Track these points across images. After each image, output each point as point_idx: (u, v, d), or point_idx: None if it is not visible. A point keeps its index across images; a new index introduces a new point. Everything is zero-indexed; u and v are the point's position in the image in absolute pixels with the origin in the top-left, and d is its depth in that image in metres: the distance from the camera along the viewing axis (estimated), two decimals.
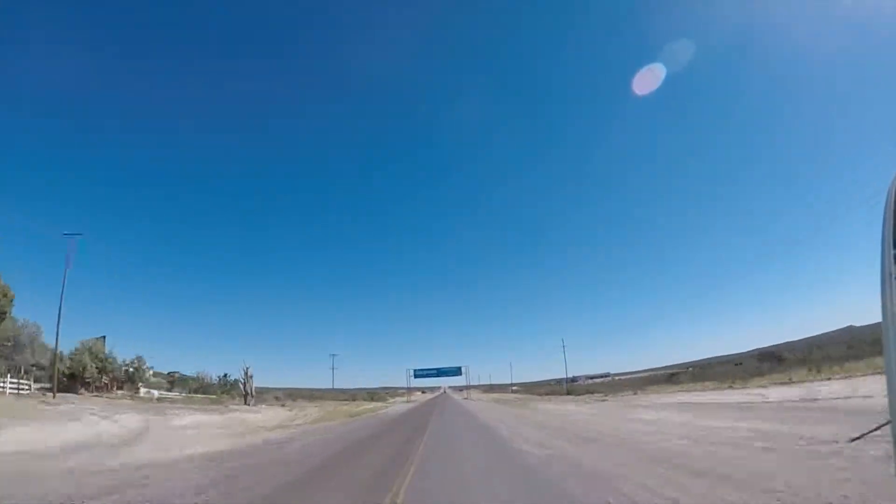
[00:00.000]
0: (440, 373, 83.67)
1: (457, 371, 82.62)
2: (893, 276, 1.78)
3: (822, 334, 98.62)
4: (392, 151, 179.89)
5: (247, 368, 41.15)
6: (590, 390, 66.31)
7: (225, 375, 59.60)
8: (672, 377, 60.14)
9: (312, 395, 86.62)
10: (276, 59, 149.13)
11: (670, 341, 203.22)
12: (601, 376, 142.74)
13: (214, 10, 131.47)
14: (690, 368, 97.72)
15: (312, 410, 39.66)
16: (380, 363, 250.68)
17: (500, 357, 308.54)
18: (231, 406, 34.73)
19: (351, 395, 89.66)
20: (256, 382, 44.57)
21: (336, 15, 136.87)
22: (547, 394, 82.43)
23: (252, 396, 40.07)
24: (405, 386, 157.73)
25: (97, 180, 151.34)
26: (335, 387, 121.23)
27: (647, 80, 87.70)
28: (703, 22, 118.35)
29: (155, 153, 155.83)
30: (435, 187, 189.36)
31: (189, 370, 62.96)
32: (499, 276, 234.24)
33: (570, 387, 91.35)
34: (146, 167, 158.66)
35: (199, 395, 44.62)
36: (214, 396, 45.71)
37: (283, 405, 43.14)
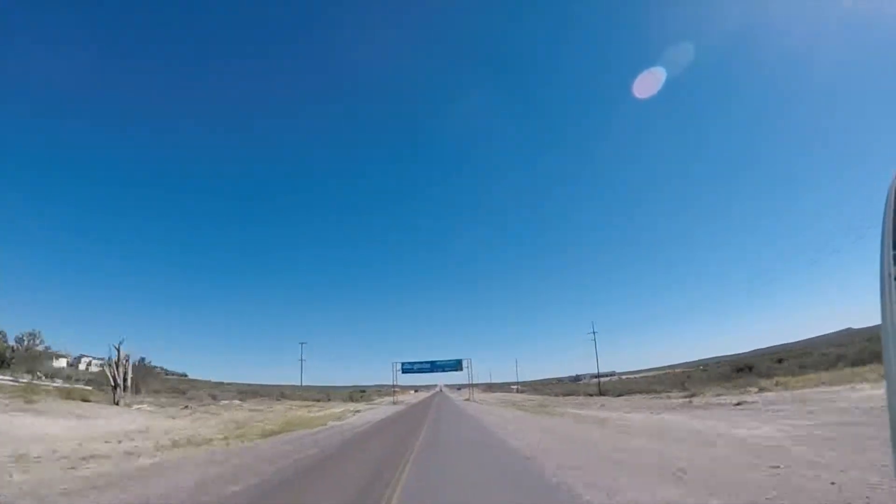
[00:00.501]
0: (434, 367, 67.12)
1: (455, 365, 66.32)
2: (893, 276, 1.64)
3: (821, 336, 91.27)
4: (390, 147, 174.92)
5: (118, 346, 25.43)
6: (625, 390, 51.10)
7: (142, 360, 44.07)
8: (742, 371, 44.88)
9: (282, 394, 71.29)
10: (274, 59, 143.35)
11: (670, 341, 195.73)
12: (607, 375, 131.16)
13: (214, 9, 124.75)
14: (703, 367, 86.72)
15: (222, 419, 24.28)
16: (373, 360, 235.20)
17: (499, 354, 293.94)
18: (64, 404, 19.36)
19: (326, 393, 74.04)
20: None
21: (336, 14, 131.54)
22: (565, 394, 67.22)
23: (125, 390, 24.50)
24: (399, 384, 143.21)
25: (96, 180, 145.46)
26: (316, 384, 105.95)
27: (648, 82, 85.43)
28: (703, 25, 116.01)
29: (151, 153, 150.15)
30: (430, 176, 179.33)
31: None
32: (499, 270, 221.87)
33: (585, 386, 76.45)
34: (139, 166, 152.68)
35: (47, 384, 28.90)
36: (91, 389, 30.18)
37: (186, 407, 27.64)
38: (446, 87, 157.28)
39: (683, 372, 72.53)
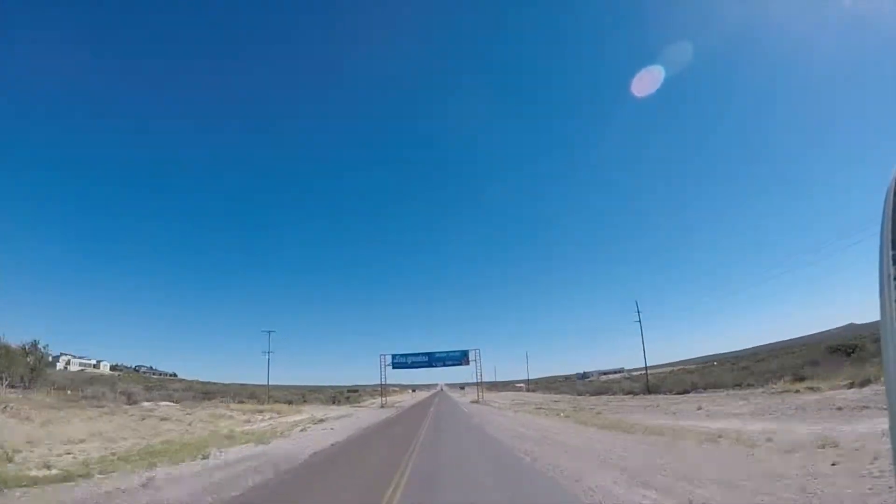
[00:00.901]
0: (433, 360, 54.23)
1: (459, 357, 53.67)
2: (892, 276, 1.63)
3: (823, 332, 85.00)
4: (392, 141, 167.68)
5: None
6: (688, 385, 39.14)
7: (33, 344, 31.97)
8: (851, 354, 32.94)
9: (252, 394, 59.33)
10: (274, 60, 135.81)
11: (667, 340, 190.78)
12: (615, 372, 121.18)
13: (214, 10, 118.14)
14: (715, 362, 77.86)
15: (38, 433, 12.34)
16: (372, 358, 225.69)
17: (501, 352, 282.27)
18: None
19: (302, 393, 61.96)
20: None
21: (335, 16, 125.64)
22: (593, 393, 55.30)
23: None
24: (399, 383, 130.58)
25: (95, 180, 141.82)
26: (309, 384, 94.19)
27: (646, 81, 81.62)
28: (701, 24, 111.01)
29: (129, 150, 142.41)
30: (429, 172, 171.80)
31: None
32: (500, 266, 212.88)
33: (608, 384, 64.77)
34: (111, 163, 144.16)
35: None
36: None
37: (4, 408, 15.84)
38: (446, 84, 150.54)
39: (730, 363, 60.64)
